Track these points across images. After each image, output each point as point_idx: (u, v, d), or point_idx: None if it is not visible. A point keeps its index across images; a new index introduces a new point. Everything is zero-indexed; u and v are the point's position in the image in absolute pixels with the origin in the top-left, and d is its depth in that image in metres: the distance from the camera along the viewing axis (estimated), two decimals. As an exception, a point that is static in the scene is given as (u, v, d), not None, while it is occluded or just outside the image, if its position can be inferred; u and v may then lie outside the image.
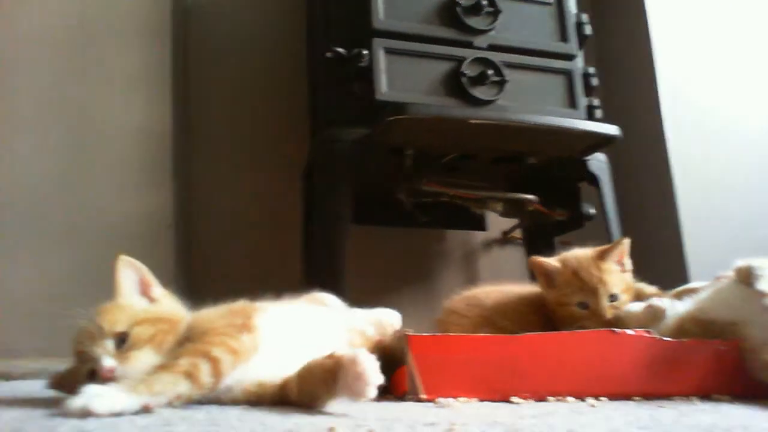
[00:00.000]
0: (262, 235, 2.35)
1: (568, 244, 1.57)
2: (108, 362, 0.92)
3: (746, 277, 1.12)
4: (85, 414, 0.79)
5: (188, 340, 0.99)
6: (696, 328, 1.20)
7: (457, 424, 0.79)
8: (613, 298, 1.41)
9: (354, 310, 1.34)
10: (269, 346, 1.03)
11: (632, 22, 2.62)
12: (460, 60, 1.85)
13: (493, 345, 1.10)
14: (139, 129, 2.19)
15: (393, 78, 1.79)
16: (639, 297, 1.44)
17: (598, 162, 2.01)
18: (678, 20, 2.57)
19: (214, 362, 0.92)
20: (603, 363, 1.10)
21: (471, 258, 2.56)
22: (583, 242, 1.56)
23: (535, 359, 1.09)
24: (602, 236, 1.87)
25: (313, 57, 2.20)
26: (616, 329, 1.14)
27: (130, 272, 1.06)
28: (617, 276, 1.44)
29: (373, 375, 0.87)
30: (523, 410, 0.96)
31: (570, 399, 1.06)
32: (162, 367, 0.91)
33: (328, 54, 1.81)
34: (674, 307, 1.29)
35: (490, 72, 1.85)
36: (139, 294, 1.06)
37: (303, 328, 1.15)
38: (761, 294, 1.09)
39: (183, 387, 0.89)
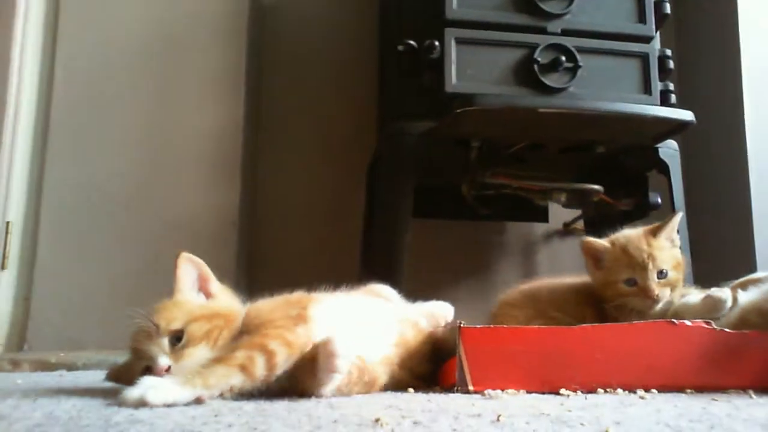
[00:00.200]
0: (324, 231, 2.40)
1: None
2: (163, 361, 0.94)
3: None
4: (140, 404, 0.83)
5: (246, 332, 1.01)
6: (759, 319, 1.17)
7: (502, 416, 0.80)
8: (662, 274, 1.36)
9: (409, 302, 1.36)
10: (324, 334, 1.04)
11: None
12: (533, 47, 1.82)
13: (544, 337, 1.10)
14: (212, 128, 2.26)
15: (463, 69, 1.78)
16: None
17: (670, 149, 1.95)
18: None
19: (270, 355, 0.94)
20: (657, 354, 1.09)
21: (531, 250, 2.54)
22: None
23: (587, 351, 1.08)
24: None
25: (383, 52, 2.22)
26: (674, 320, 1.12)
27: (189, 269, 1.08)
28: (668, 252, 1.39)
29: (343, 349, 0.95)
30: (570, 402, 0.95)
31: (620, 391, 1.06)
32: (218, 360, 0.94)
33: (400, 47, 1.82)
34: (737, 297, 1.25)
35: (563, 58, 1.82)
36: (197, 290, 1.09)
37: (357, 319, 1.17)
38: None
39: (237, 379, 0.91)
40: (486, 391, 1.04)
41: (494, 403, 0.95)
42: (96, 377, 1.24)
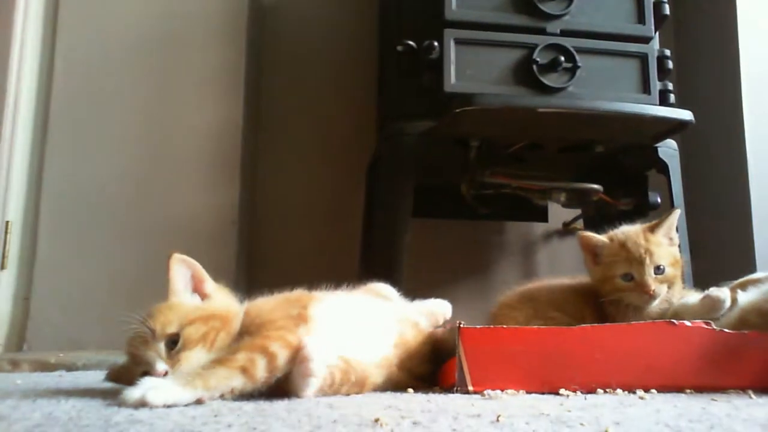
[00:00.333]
0: (323, 231, 2.40)
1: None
2: (160, 366, 0.94)
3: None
4: (141, 405, 0.83)
5: (246, 332, 1.01)
6: (759, 319, 1.17)
7: (502, 416, 0.80)
8: (659, 270, 1.37)
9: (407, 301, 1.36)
10: (324, 334, 1.05)
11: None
12: (532, 47, 1.82)
13: (543, 337, 1.10)
14: (211, 127, 2.26)
15: (462, 69, 1.78)
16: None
17: (669, 149, 1.95)
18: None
19: (271, 357, 0.94)
20: (656, 354, 1.09)
21: (530, 250, 2.54)
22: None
23: (586, 351, 1.08)
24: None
25: (383, 52, 2.22)
26: (674, 321, 1.12)
27: (182, 270, 1.07)
28: (665, 249, 1.40)
29: (316, 354, 0.95)
30: (570, 402, 0.95)
31: (619, 391, 1.06)
32: (218, 361, 0.93)
33: (399, 47, 1.82)
34: (736, 298, 1.25)
35: (562, 58, 1.82)
36: (192, 291, 1.08)
37: (357, 318, 1.17)
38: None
39: (237, 381, 0.91)
40: (485, 392, 1.04)
41: (494, 403, 0.95)
42: (96, 377, 1.24)
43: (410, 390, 1.10)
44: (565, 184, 2.02)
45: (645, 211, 2.00)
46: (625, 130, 1.87)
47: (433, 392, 1.09)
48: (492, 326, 1.17)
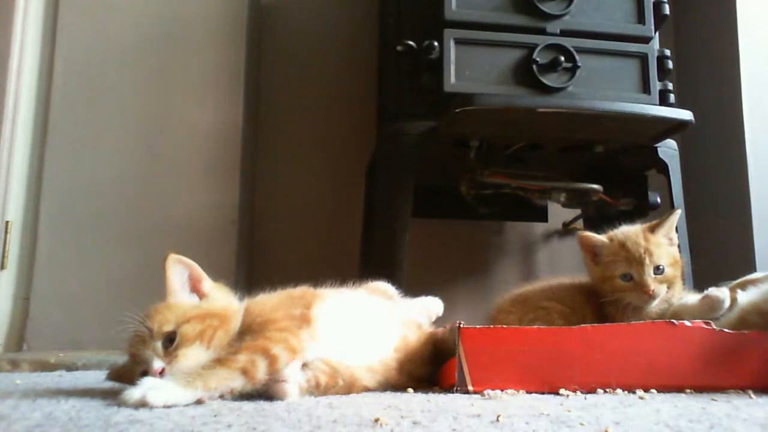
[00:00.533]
0: (323, 230, 2.40)
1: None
2: (157, 364, 0.94)
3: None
4: (141, 405, 0.83)
5: (248, 330, 1.01)
6: (759, 319, 1.17)
7: (502, 416, 0.80)
8: (658, 270, 1.37)
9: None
10: (326, 336, 1.05)
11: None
12: (531, 47, 1.82)
13: (543, 337, 1.10)
14: (211, 127, 2.26)
15: (462, 69, 1.78)
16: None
17: (669, 149, 1.95)
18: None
19: (272, 359, 0.94)
20: (656, 355, 1.09)
21: (530, 250, 2.54)
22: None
23: (586, 351, 1.08)
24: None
25: (383, 52, 2.21)
26: (674, 321, 1.12)
27: (179, 270, 1.07)
28: (665, 249, 1.40)
29: (289, 376, 0.97)
30: (570, 402, 0.95)
31: (619, 391, 1.06)
32: (219, 362, 0.93)
33: (399, 47, 1.82)
34: (735, 298, 1.25)
35: (562, 58, 1.82)
36: (189, 290, 1.08)
37: (360, 321, 1.17)
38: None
39: (238, 382, 0.92)
40: (485, 392, 1.04)
41: (494, 403, 0.95)
42: (96, 377, 1.24)
43: (410, 390, 1.11)
44: (565, 184, 2.01)
45: (645, 211, 2.00)
46: (625, 130, 1.87)
47: (433, 392, 1.09)
48: (492, 326, 1.17)
